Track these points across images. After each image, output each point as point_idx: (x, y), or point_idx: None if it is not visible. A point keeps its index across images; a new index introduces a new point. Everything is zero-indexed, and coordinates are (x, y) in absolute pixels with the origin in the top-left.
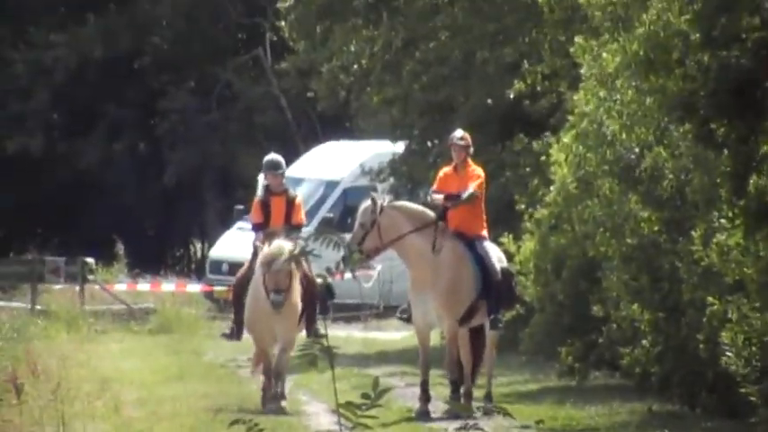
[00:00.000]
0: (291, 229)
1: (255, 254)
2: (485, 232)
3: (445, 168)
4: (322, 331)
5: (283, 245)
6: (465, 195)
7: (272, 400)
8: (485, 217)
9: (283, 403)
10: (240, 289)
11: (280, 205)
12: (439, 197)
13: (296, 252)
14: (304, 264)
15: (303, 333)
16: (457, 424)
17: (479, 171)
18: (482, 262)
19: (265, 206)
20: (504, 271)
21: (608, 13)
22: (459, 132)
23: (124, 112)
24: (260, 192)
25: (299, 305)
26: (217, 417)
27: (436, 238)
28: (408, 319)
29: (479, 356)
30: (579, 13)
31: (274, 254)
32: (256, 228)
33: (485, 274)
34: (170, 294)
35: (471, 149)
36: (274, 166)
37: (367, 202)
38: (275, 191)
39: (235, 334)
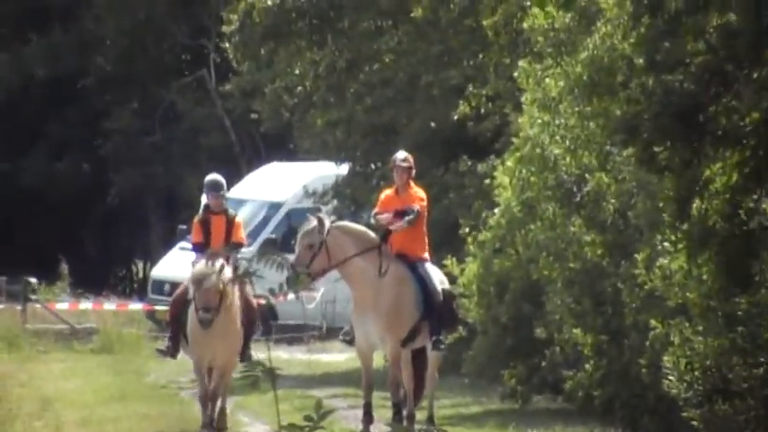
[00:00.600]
0: (232, 248)
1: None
2: (426, 255)
3: (387, 191)
4: (255, 356)
5: (214, 264)
6: (410, 216)
7: (209, 427)
8: (426, 240)
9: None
10: (177, 307)
11: (220, 225)
12: (386, 216)
13: (239, 273)
14: (246, 288)
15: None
16: None
17: (422, 193)
18: (424, 283)
19: (205, 225)
20: (445, 293)
21: (551, 39)
22: (401, 154)
23: (68, 132)
24: (200, 211)
25: (240, 329)
26: None
27: (381, 260)
28: (351, 342)
29: (421, 378)
30: (523, 37)
31: (204, 272)
32: (196, 247)
33: (426, 296)
34: (112, 314)
35: (414, 171)
36: (215, 186)
37: (313, 223)
38: (215, 210)
39: (170, 351)
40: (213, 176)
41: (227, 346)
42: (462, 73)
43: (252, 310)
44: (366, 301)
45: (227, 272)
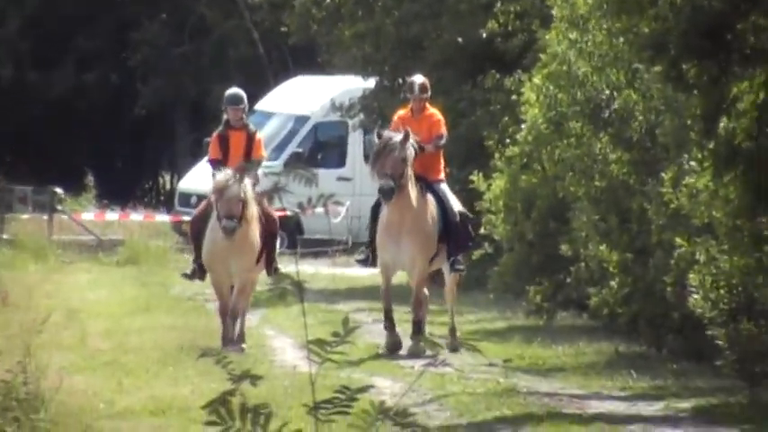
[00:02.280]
0: (251, 165)
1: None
2: (442, 176)
3: (401, 112)
4: (283, 270)
5: (235, 175)
6: (441, 141)
7: (230, 342)
8: (442, 162)
9: (243, 345)
10: (198, 225)
11: (239, 141)
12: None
13: (265, 189)
14: (264, 201)
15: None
16: (424, 360)
17: (439, 115)
18: (443, 205)
19: (224, 141)
20: (461, 214)
21: None
22: (418, 79)
23: (96, 42)
24: (220, 126)
25: (258, 243)
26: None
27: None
28: (366, 262)
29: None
30: None
31: (226, 181)
32: (213, 164)
33: (445, 217)
34: (138, 226)
35: (429, 94)
36: (235, 100)
37: (398, 136)
38: (235, 126)
39: (196, 274)
40: (233, 90)
41: (245, 259)
42: None
43: (272, 223)
44: (400, 222)
45: (248, 183)
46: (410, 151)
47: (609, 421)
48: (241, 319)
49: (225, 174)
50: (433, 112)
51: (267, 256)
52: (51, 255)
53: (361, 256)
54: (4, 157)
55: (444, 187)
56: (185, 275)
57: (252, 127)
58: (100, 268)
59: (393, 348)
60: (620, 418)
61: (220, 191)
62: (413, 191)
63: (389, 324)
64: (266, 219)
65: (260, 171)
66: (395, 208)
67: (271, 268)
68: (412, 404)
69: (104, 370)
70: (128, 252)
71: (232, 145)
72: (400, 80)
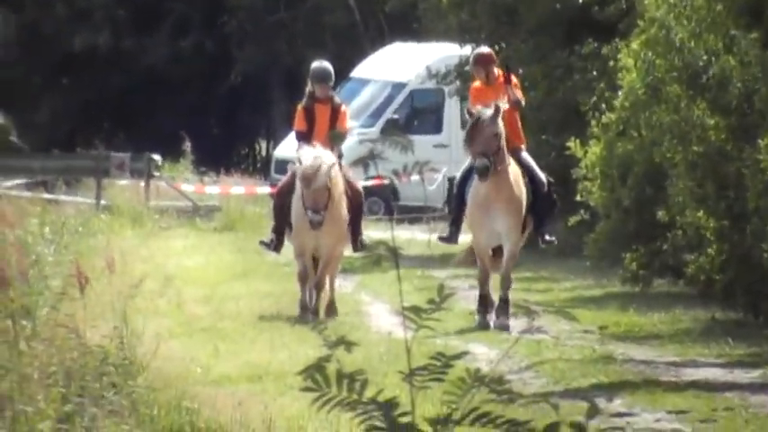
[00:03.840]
0: (336, 137)
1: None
2: (523, 143)
3: (476, 83)
4: (377, 237)
5: (322, 159)
6: (521, 100)
7: (307, 310)
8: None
9: (336, 317)
10: (281, 199)
11: (324, 113)
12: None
13: (364, 156)
14: (349, 173)
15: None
16: (519, 327)
17: (513, 78)
18: (531, 173)
19: (309, 113)
20: (548, 183)
21: None
22: (480, 51)
23: (192, 9)
24: (305, 98)
25: (345, 218)
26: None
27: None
28: (449, 240)
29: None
30: None
31: (312, 171)
32: (299, 135)
33: (533, 187)
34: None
35: (493, 66)
36: (324, 76)
37: (490, 111)
38: (321, 98)
39: (273, 245)
40: (321, 64)
41: (333, 237)
42: None
43: (357, 195)
44: (495, 197)
45: (335, 170)
46: (502, 126)
47: (705, 389)
48: (330, 291)
49: (312, 159)
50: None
51: (353, 230)
52: (149, 221)
53: (444, 234)
54: (102, 124)
55: (527, 155)
56: (263, 243)
57: (337, 99)
58: (197, 234)
59: (482, 328)
60: (716, 385)
61: (308, 180)
62: (506, 165)
63: (483, 309)
64: (352, 192)
65: (349, 140)
66: (490, 184)
67: (357, 242)
68: (508, 371)
69: (201, 336)
70: (224, 218)
71: (318, 118)
72: (496, 47)
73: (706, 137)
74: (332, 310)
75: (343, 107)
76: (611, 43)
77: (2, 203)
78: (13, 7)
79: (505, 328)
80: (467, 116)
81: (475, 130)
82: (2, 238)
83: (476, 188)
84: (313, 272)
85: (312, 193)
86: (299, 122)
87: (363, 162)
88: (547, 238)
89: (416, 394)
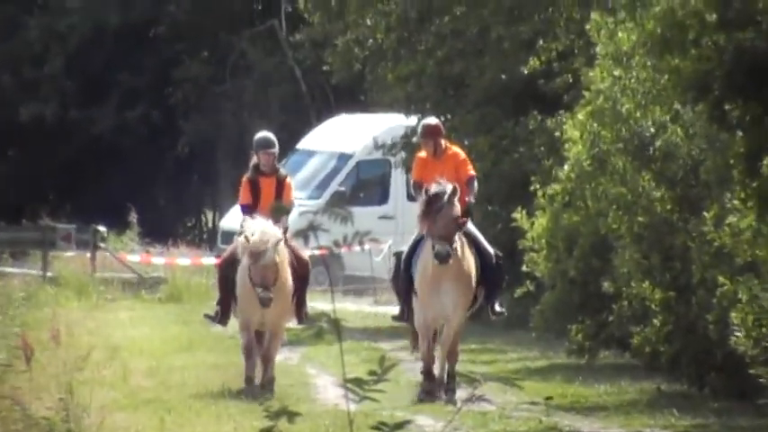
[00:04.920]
0: (280, 210)
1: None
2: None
3: (421, 153)
4: (320, 309)
5: (269, 234)
6: (474, 188)
7: (252, 383)
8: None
9: (274, 389)
10: (225, 271)
11: (269, 186)
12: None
13: (295, 231)
14: (295, 244)
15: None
16: (464, 396)
17: (463, 154)
18: (477, 247)
19: (254, 186)
20: (495, 255)
21: None
22: (428, 122)
23: (138, 80)
24: (249, 171)
25: (291, 290)
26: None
27: None
28: (402, 319)
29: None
30: None
31: (261, 247)
32: (244, 209)
33: (482, 260)
34: (181, 264)
35: (441, 138)
36: (267, 144)
37: (447, 190)
38: (265, 171)
39: (219, 317)
40: (264, 134)
41: (279, 310)
42: (533, 27)
43: (304, 266)
44: (442, 274)
45: (281, 247)
46: (458, 207)
47: None
48: (270, 365)
49: (260, 234)
50: (457, 151)
51: (298, 302)
52: (94, 292)
53: (396, 313)
54: (47, 196)
55: (473, 227)
56: (207, 316)
57: (282, 171)
58: (142, 305)
59: (429, 394)
60: None
61: (256, 257)
62: (458, 242)
63: (429, 386)
64: (298, 263)
65: (292, 215)
66: (438, 264)
67: (301, 313)
68: None
69: (147, 407)
70: (170, 290)
71: (263, 190)
72: (442, 118)
73: (652, 208)
74: (271, 383)
75: (288, 179)
76: (556, 117)
77: None
78: None
79: (455, 403)
80: (416, 190)
81: (432, 211)
82: None
83: (424, 264)
84: (258, 345)
85: (261, 270)
86: (245, 195)
87: (304, 234)
88: (497, 309)
89: None
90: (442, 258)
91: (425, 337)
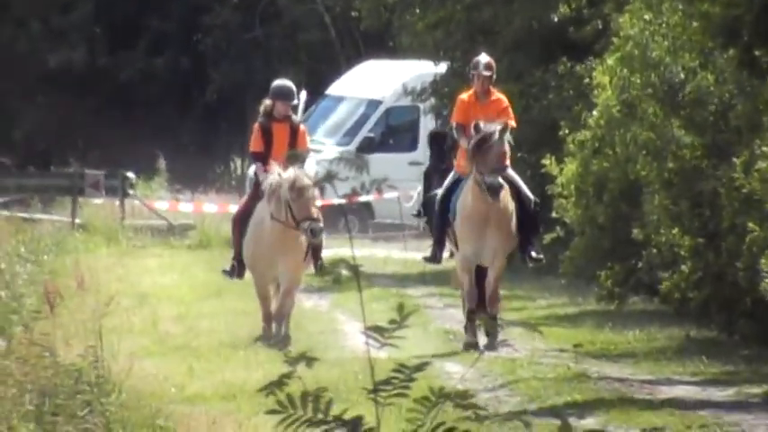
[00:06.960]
0: (296, 157)
1: (256, 184)
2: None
3: (463, 96)
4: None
5: (302, 171)
6: (510, 135)
7: (274, 344)
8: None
9: (290, 348)
10: (240, 223)
11: (282, 133)
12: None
13: (320, 177)
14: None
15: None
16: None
17: (505, 100)
18: (518, 191)
19: (266, 132)
20: (534, 202)
21: None
22: (484, 58)
23: (167, 27)
24: (261, 117)
25: (304, 242)
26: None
27: None
28: (434, 260)
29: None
30: None
31: (304, 180)
32: (255, 156)
33: (521, 206)
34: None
35: (494, 77)
36: (287, 94)
37: (497, 127)
38: (279, 117)
39: (236, 271)
40: (284, 82)
41: (292, 258)
42: None
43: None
44: (486, 214)
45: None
46: (507, 145)
47: (679, 407)
48: (286, 321)
49: (295, 174)
50: (500, 97)
51: (313, 252)
52: (123, 239)
53: (428, 254)
54: (76, 143)
55: (513, 172)
56: (225, 272)
57: (295, 118)
58: (171, 252)
59: (470, 348)
60: (690, 403)
61: (299, 191)
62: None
63: (471, 325)
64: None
65: (307, 162)
66: (481, 199)
67: (317, 264)
68: (483, 389)
69: (175, 354)
70: (199, 236)
71: (276, 137)
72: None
73: (681, 154)
74: (287, 340)
75: (302, 126)
76: (585, 63)
77: None
78: None
79: (496, 348)
80: (458, 131)
81: (483, 147)
82: None
83: (465, 202)
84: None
85: (306, 203)
86: (256, 143)
87: (320, 183)
88: (534, 255)
89: (383, 411)
90: (495, 190)
91: (468, 270)
